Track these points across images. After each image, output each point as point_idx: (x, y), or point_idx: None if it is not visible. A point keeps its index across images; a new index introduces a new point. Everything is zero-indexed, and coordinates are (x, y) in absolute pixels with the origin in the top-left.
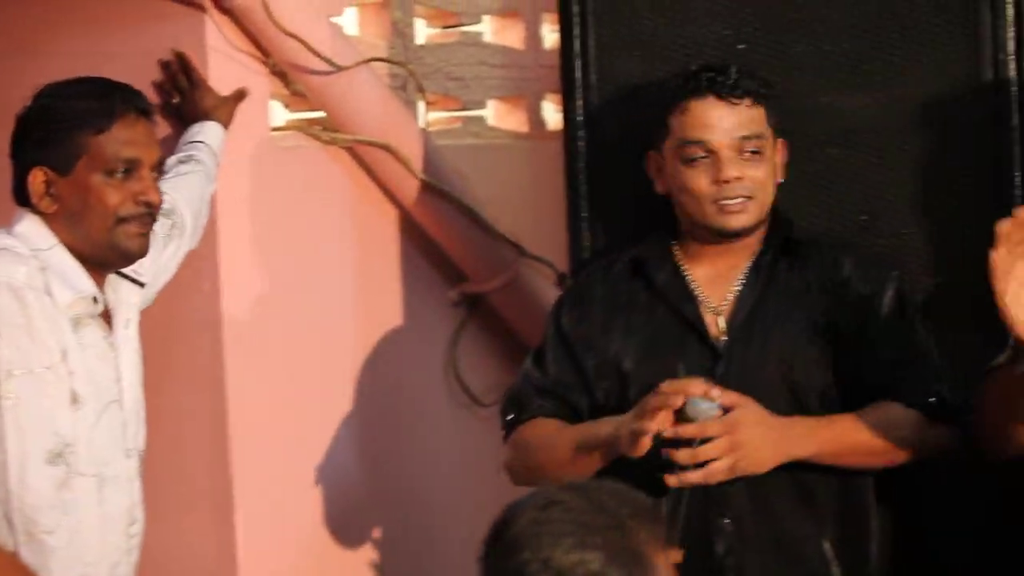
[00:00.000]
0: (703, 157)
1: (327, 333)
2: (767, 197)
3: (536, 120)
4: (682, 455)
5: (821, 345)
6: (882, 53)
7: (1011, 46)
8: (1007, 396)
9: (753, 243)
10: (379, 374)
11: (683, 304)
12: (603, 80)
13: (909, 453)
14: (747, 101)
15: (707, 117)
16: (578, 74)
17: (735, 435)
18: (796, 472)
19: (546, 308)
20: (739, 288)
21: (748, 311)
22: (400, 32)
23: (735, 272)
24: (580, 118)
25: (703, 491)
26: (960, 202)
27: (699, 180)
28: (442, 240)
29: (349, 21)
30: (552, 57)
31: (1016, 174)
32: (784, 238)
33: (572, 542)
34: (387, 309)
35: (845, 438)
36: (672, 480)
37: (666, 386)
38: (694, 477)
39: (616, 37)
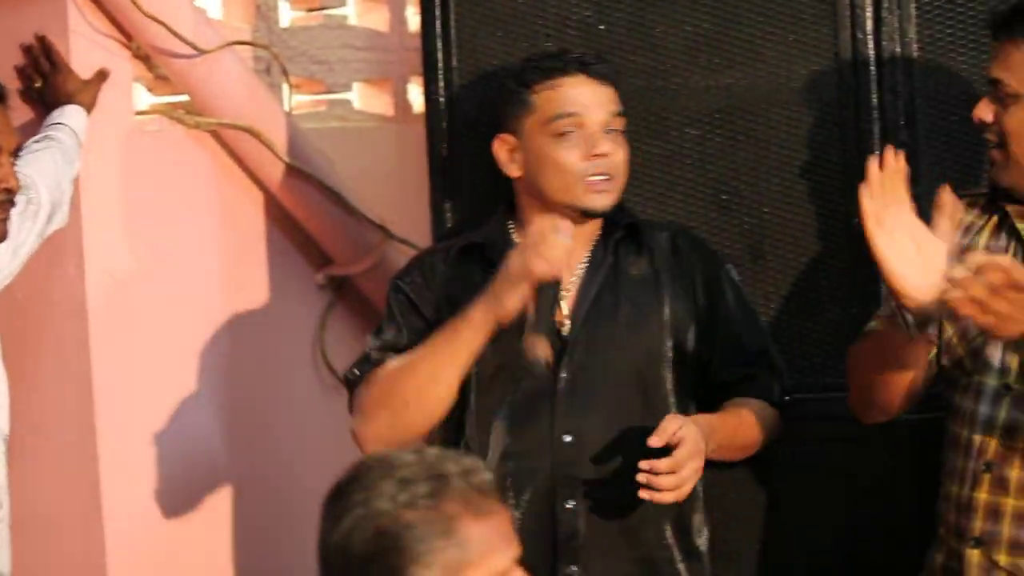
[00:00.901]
0: (572, 132)
1: (193, 317)
2: (624, 180)
3: (401, 103)
4: (666, 482)
5: (668, 336)
6: (742, 33)
7: (869, 25)
8: (875, 353)
9: (593, 228)
10: (246, 357)
11: None
12: (464, 62)
13: (762, 446)
14: (609, 83)
15: (579, 93)
16: (439, 55)
17: (699, 459)
18: (640, 458)
19: None
20: (581, 273)
21: (593, 297)
22: (264, 15)
23: (575, 257)
24: (442, 99)
25: (550, 477)
26: (821, 180)
27: (570, 155)
28: (308, 223)
29: (213, 4)
30: (417, 40)
31: (876, 153)
32: (625, 224)
33: (390, 489)
34: (254, 292)
35: (734, 437)
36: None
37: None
38: (669, 497)
39: (477, 18)
